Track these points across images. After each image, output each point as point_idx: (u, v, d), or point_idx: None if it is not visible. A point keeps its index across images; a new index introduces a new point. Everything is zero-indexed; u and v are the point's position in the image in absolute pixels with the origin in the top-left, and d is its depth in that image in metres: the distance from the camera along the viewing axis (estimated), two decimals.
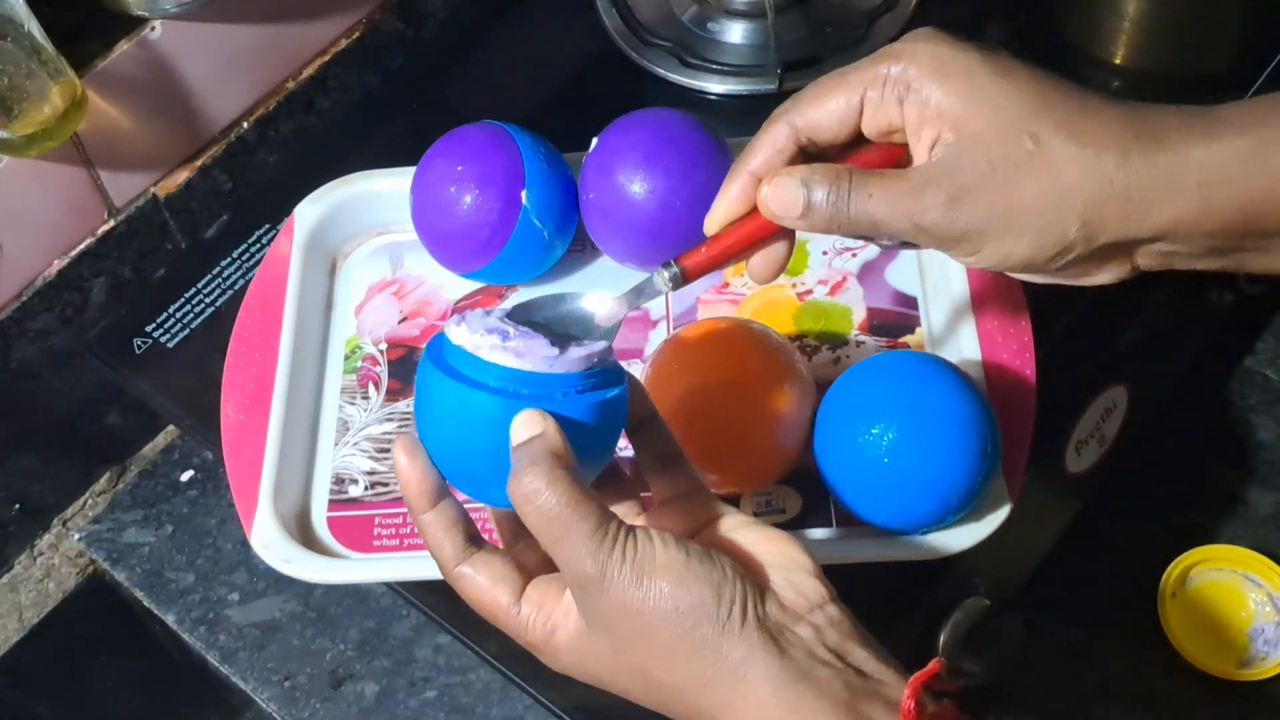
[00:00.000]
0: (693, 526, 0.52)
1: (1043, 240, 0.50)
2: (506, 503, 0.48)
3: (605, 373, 0.51)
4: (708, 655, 0.46)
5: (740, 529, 0.51)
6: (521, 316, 0.52)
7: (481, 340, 0.49)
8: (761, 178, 0.53)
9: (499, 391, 0.48)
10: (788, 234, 0.55)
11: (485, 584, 0.50)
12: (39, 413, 0.82)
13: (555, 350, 0.49)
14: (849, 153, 0.54)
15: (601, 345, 0.51)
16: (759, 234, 0.54)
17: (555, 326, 0.52)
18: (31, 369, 0.80)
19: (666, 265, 0.55)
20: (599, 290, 0.55)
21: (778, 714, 0.46)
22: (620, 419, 0.51)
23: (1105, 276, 0.53)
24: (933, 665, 0.47)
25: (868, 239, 0.54)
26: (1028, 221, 0.49)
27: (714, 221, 0.54)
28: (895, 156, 0.53)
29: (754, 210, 0.54)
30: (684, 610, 0.46)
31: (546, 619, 0.50)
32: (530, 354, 0.49)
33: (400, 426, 0.74)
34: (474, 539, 0.51)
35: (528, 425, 0.48)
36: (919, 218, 0.50)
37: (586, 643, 0.49)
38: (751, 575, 0.48)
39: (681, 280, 0.55)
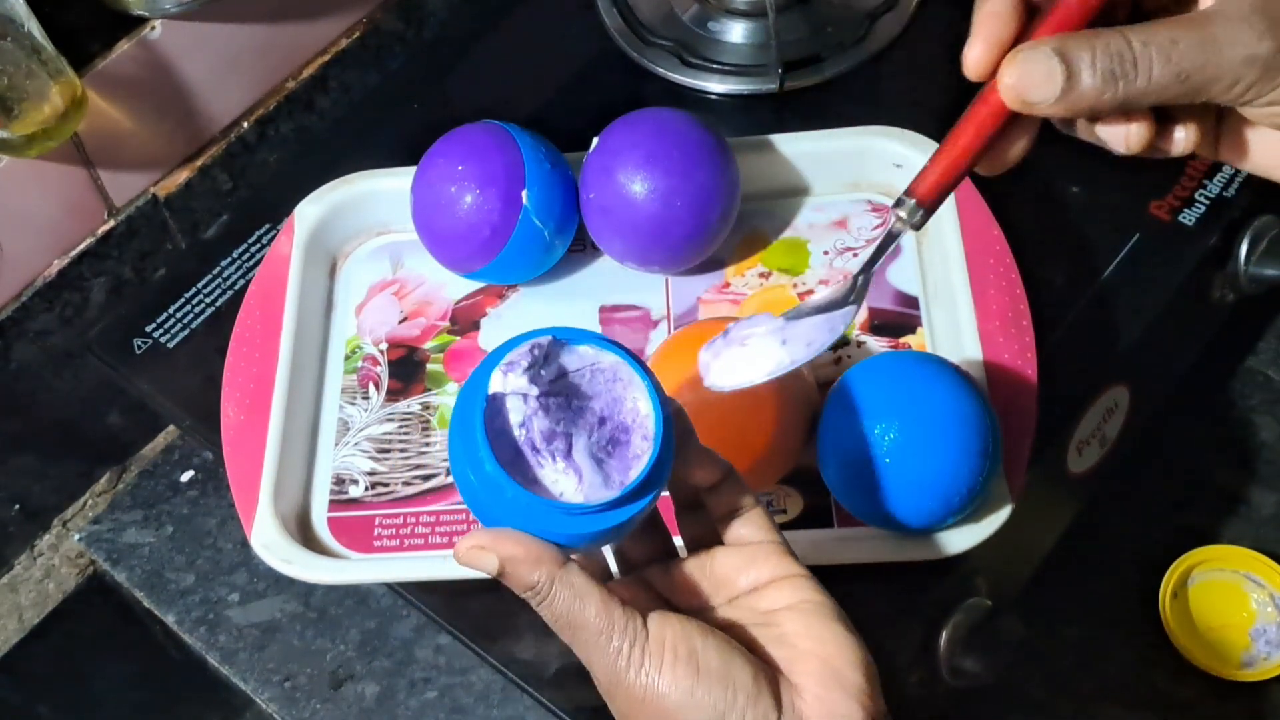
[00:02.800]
0: (756, 578, 0.49)
1: None
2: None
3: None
4: None
5: (800, 609, 0.48)
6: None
7: None
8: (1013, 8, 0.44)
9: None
10: (1029, 122, 0.46)
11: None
12: (39, 413, 0.82)
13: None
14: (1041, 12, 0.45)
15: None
16: (996, 122, 0.44)
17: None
18: (31, 369, 0.80)
19: (899, 203, 0.45)
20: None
21: None
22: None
23: None
24: None
25: (1131, 107, 0.44)
26: None
27: (978, 59, 0.44)
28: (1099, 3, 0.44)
29: (990, 86, 0.44)
30: None
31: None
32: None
33: (400, 427, 0.74)
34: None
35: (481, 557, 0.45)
36: (1255, 46, 0.41)
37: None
38: (772, 692, 0.45)
39: (922, 216, 0.45)
